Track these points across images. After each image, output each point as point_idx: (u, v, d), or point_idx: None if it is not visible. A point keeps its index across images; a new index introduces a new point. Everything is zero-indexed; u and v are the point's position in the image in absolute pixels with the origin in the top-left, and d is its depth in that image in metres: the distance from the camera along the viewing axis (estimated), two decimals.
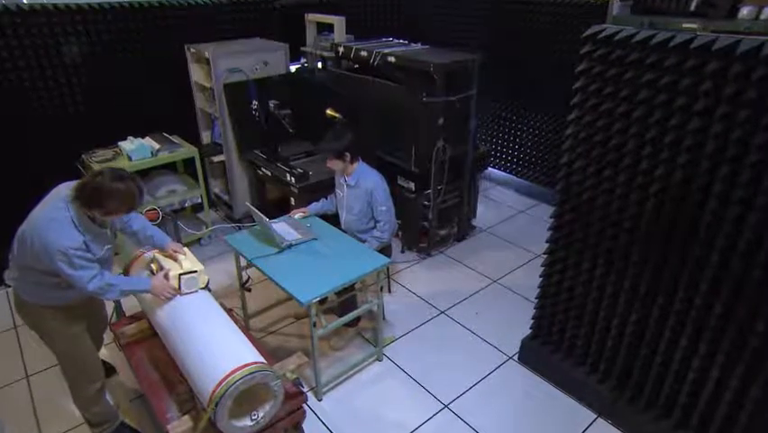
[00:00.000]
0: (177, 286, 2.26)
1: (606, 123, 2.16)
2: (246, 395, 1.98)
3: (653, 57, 1.90)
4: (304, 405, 2.26)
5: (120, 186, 1.96)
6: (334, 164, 3.03)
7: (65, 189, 2.04)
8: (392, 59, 3.66)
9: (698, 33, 1.77)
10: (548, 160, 4.86)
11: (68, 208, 1.98)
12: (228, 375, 1.90)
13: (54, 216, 1.96)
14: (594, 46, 2.11)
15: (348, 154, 2.98)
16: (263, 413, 2.02)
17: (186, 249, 2.48)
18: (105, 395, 2.44)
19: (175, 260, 2.41)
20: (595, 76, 2.14)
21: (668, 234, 2.07)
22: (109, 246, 2.19)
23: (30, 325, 2.24)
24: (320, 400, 2.78)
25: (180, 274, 2.28)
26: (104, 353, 2.68)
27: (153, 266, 2.44)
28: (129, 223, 2.37)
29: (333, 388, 2.86)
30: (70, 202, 1.98)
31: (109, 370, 2.83)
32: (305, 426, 2.36)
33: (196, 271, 2.32)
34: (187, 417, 2.05)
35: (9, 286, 2.19)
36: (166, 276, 2.26)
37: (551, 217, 2.57)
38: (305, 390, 2.25)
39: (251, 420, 1.99)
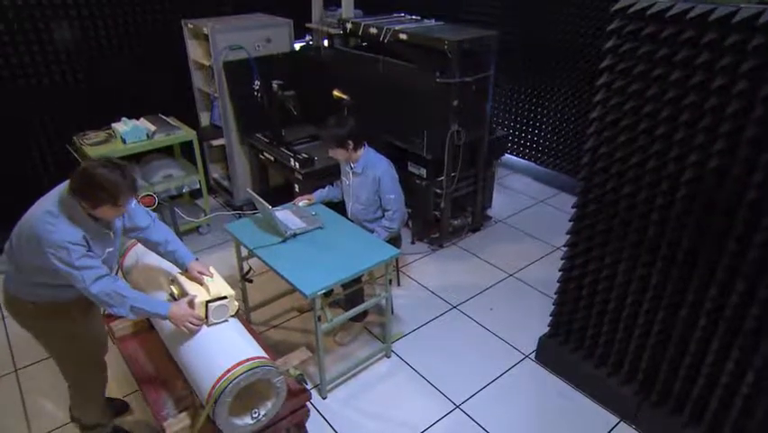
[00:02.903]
0: (203, 315, 2.08)
1: (635, 105, 2.12)
2: (247, 392, 1.98)
3: (689, 32, 1.85)
4: (307, 403, 2.26)
5: (104, 171, 1.83)
6: (337, 153, 3.01)
7: (67, 183, 1.93)
8: (404, 36, 3.62)
9: (741, 6, 1.71)
10: (570, 146, 4.80)
11: (65, 202, 1.89)
12: (228, 371, 1.90)
13: (50, 209, 1.88)
14: (623, 21, 2.06)
15: (350, 142, 2.95)
16: (265, 411, 2.02)
17: (213, 269, 2.28)
18: (104, 395, 2.43)
19: (200, 283, 2.20)
20: (624, 54, 2.09)
21: (701, 227, 2.03)
22: (111, 249, 2.06)
23: (21, 324, 2.15)
24: (324, 399, 2.79)
25: (208, 302, 2.08)
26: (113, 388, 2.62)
27: (174, 289, 2.24)
28: (148, 233, 2.22)
29: (338, 385, 2.87)
30: (67, 195, 1.89)
31: (122, 407, 2.71)
32: (308, 425, 2.36)
33: (225, 298, 2.12)
34: (184, 414, 2.06)
35: None
36: (191, 303, 2.07)
37: (572, 208, 2.54)
38: (308, 387, 2.26)
39: (252, 418, 2.00)
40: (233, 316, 2.18)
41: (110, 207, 1.90)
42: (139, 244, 2.50)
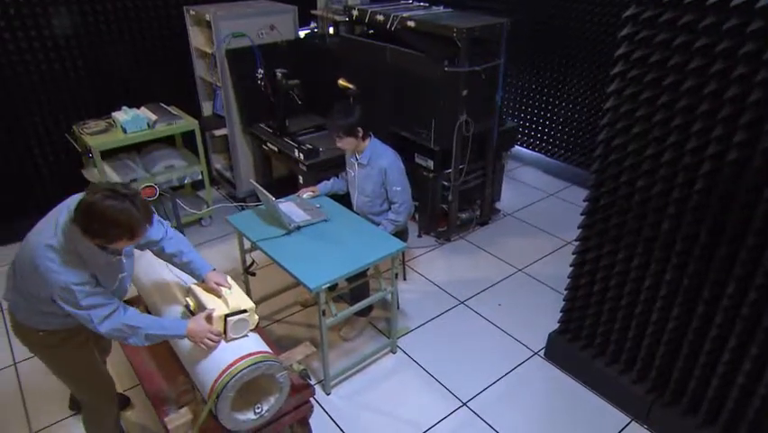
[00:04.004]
0: (222, 330, 2.00)
1: (651, 95, 2.09)
2: (250, 387, 1.98)
3: (709, 19, 1.82)
4: (311, 399, 2.26)
5: (114, 204, 1.67)
6: (346, 143, 2.99)
7: (71, 205, 1.79)
8: (411, 23, 3.59)
9: None
10: (583, 137, 4.76)
11: (68, 233, 1.76)
12: (231, 365, 1.91)
13: (52, 243, 1.74)
14: (640, 8, 2.03)
15: (360, 129, 2.94)
16: (268, 406, 2.03)
17: (231, 280, 2.19)
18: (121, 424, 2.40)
19: (218, 295, 2.12)
20: (640, 42, 2.06)
21: (718, 221, 2.01)
22: (123, 274, 1.96)
23: (31, 350, 2.08)
24: (328, 394, 2.80)
25: (227, 315, 2.00)
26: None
27: (190, 302, 2.16)
28: (161, 244, 2.11)
29: (342, 381, 2.88)
30: (71, 225, 1.74)
31: (123, 401, 2.70)
32: (311, 421, 2.37)
33: (245, 311, 2.04)
34: (186, 409, 2.06)
35: None
36: (209, 318, 1.98)
37: (584, 201, 2.52)
38: (312, 382, 2.26)
39: (255, 414, 2.00)
40: (253, 330, 2.10)
41: (126, 241, 1.77)
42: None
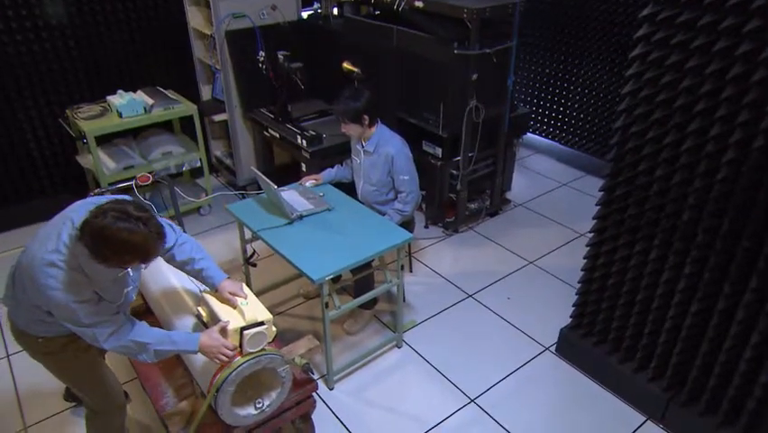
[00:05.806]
0: (237, 344, 1.93)
1: (672, 79, 2.06)
2: (250, 381, 1.99)
3: None
4: (313, 394, 2.27)
5: (127, 227, 1.61)
6: (351, 129, 2.98)
7: (75, 217, 1.73)
8: (419, 3, 3.56)
9: None
10: (598, 124, 4.73)
11: (72, 251, 1.71)
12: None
13: (53, 260, 1.69)
14: None
15: (366, 117, 2.92)
16: (269, 401, 2.03)
17: (247, 289, 2.13)
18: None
19: (233, 306, 2.04)
20: (662, 22, 2.03)
21: (742, 212, 1.99)
22: (129, 288, 1.92)
23: (31, 355, 2.05)
24: (331, 390, 2.81)
25: (243, 328, 1.93)
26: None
27: (202, 312, 2.11)
28: (172, 252, 2.05)
29: (346, 376, 2.88)
30: (77, 242, 1.69)
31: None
32: (314, 417, 2.37)
33: (263, 323, 1.97)
34: (185, 403, 2.08)
35: None
36: (223, 331, 1.92)
37: (600, 191, 2.50)
38: (315, 377, 2.26)
39: (256, 409, 2.01)
40: (270, 343, 2.02)
41: (138, 264, 1.75)
42: None
